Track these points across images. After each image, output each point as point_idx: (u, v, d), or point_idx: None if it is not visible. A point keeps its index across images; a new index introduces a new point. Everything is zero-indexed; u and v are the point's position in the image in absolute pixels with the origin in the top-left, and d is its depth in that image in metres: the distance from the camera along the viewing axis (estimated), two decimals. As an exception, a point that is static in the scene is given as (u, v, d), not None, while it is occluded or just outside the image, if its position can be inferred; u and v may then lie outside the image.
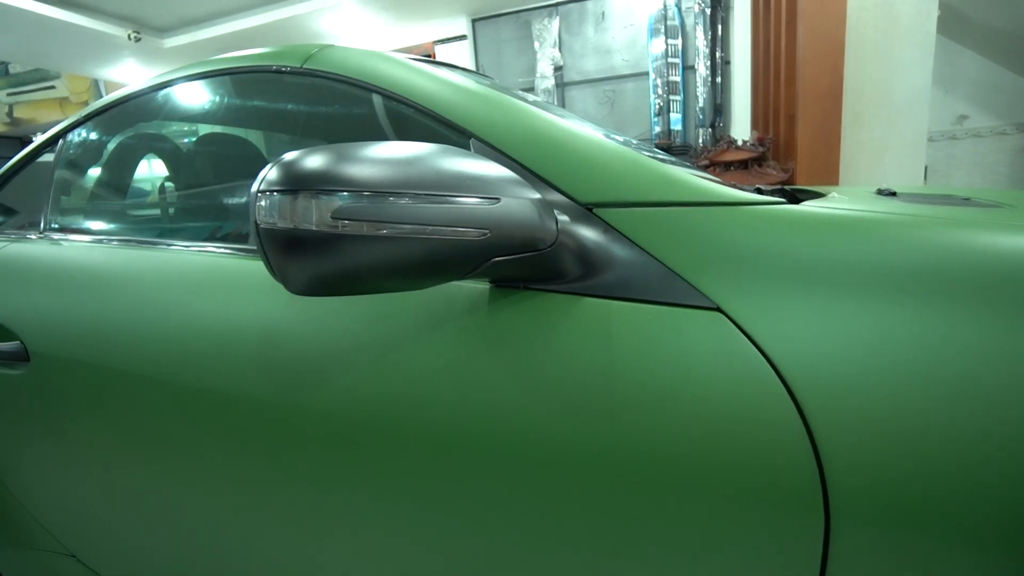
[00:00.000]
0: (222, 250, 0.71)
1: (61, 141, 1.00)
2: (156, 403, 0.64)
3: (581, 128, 0.57)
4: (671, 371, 0.41)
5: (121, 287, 0.71)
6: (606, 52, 4.49)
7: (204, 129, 0.98)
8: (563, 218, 0.49)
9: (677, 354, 0.42)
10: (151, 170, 1.01)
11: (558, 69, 4.63)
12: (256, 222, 0.39)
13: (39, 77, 8.10)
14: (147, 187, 1.02)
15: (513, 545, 0.47)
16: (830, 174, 2.75)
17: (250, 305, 0.60)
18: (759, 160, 3.01)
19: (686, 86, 4.34)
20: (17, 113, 8.54)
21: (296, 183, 0.38)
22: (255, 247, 0.68)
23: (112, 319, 0.68)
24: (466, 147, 0.56)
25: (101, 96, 7.83)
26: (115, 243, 0.82)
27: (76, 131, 0.99)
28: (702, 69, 4.22)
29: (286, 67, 0.74)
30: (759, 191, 0.73)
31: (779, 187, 0.99)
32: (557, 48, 4.58)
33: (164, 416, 0.63)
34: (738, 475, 0.38)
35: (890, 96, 2.70)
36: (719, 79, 4.24)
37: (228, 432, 0.59)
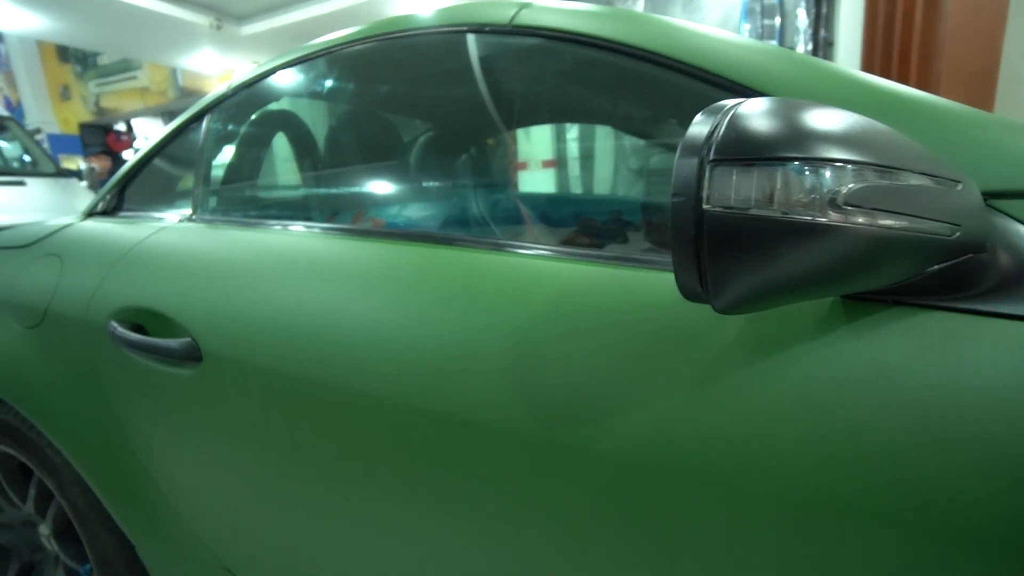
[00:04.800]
0: (455, 241, 0.58)
1: (208, 116, 0.92)
2: (355, 423, 0.53)
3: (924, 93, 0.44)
4: None
5: (318, 281, 0.60)
6: (693, 34, 4.22)
7: (389, 99, 0.87)
8: None
9: None
10: (325, 146, 0.90)
11: (639, 53, 4.40)
12: (703, 206, 0.26)
13: (123, 68, 8.53)
14: (320, 166, 0.92)
15: None
16: (971, 166, 2.42)
17: (499, 314, 0.48)
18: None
19: (781, 70, 4.02)
20: (103, 103, 9.05)
21: (780, 148, 0.25)
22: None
23: (304, 319, 0.58)
24: None
25: (179, 85, 8.20)
26: (295, 230, 0.71)
27: (225, 105, 0.91)
28: (801, 50, 3.89)
29: (488, 26, 0.63)
30: None
31: None
32: (639, 30, 4.35)
33: (364, 439, 0.53)
34: None
35: (1053, 76, 2.34)
36: (819, 62, 3.90)
37: (459, 467, 0.48)
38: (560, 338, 0.45)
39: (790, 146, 0.25)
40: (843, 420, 0.34)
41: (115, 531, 0.83)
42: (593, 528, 0.42)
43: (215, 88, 0.90)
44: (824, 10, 3.80)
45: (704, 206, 0.27)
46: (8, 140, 3.50)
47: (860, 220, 0.26)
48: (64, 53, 8.85)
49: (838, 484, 0.34)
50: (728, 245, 0.27)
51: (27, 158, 3.52)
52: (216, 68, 6.84)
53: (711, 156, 0.26)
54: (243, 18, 5.40)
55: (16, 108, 8.76)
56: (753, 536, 0.36)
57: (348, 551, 0.58)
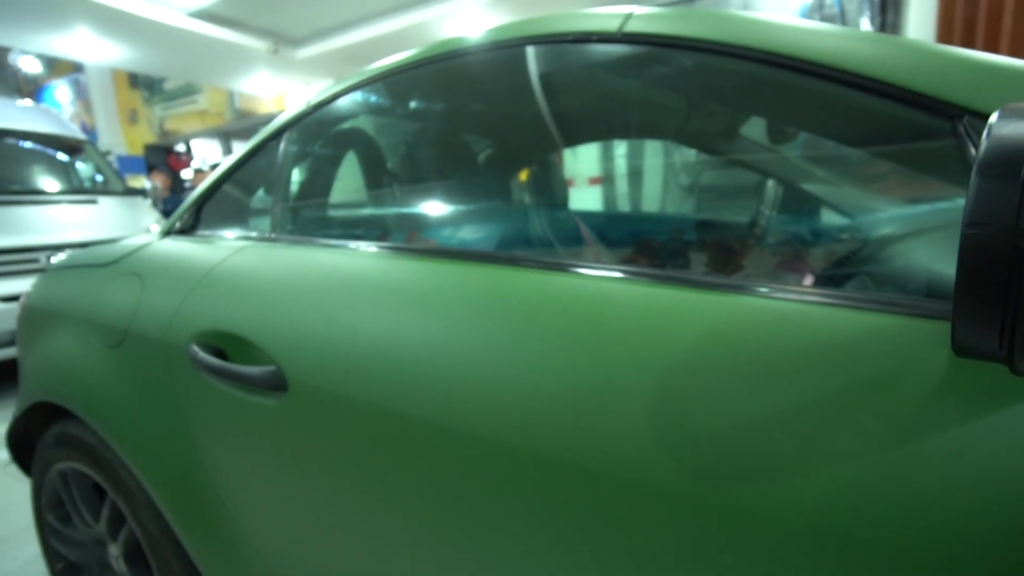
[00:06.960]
0: (572, 267, 0.52)
1: (286, 135, 0.91)
2: (461, 468, 0.48)
3: None
4: None
5: (416, 308, 0.56)
6: (746, 46, 4.10)
7: (485, 113, 0.84)
8: None
9: None
10: (407, 165, 0.88)
11: (689, 66, 4.30)
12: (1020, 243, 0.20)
13: (186, 92, 9.09)
14: (400, 183, 0.89)
15: None
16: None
17: (635, 351, 0.42)
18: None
19: (842, 80, 3.84)
20: (166, 125, 9.64)
21: None
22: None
23: (403, 350, 0.53)
24: (942, 129, 0.40)
25: (235, 107, 8.63)
26: (384, 251, 0.67)
27: (303, 123, 0.90)
28: (864, 60, 3.71)
29: (595, 35, 0.58)
30: None
31: None
32: (689, 44, 4.26)
33: (470, 487, 0.47)
34: None
35: None
36: (884, 71, 3.70)
37: (586, 526, 0.41)
38: (713, 381, 0.38)
39: None
40: None
41: (184, 559, 0.80)
42: None
43: (271, 109, 0.88)
44: (890, 18, 3.62)
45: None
46: (84, 161, 3.73)
47: None
48: (134, 80, 9.50)
49: None
50: None
51: (99, 178, 3.73)
52: (270, 91, 7.15)
53: None
54: (298, 42, 5.64)
55: (91, 132, 9.43)
56: None
57: None
